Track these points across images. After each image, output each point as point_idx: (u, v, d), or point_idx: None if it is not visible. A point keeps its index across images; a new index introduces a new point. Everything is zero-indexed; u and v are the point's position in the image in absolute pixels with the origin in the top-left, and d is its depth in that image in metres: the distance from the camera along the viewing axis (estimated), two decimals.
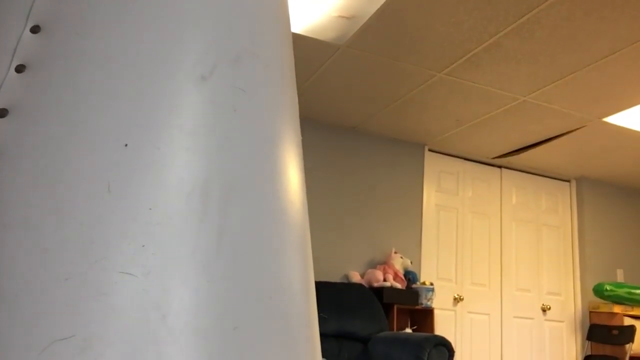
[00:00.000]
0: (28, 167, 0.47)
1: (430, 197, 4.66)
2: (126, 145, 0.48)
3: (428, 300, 4.10)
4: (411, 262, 4.22)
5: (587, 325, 4.84)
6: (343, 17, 2.87)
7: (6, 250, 0.44)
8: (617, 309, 4.65)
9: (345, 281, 4.09)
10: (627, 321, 4.58)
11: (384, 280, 4.01)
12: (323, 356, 3.41)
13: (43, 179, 0.47)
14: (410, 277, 4.17)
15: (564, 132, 4.19)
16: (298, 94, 3.88)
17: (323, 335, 3.51)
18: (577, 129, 4.09)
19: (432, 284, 4.21)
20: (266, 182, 0.54)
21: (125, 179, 0.47)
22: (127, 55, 0.52)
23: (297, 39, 3.11)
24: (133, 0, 0.55)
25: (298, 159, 0.63)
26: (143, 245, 0.45)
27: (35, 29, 0.54)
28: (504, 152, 4.76)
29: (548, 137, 4.32)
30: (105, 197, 0.46)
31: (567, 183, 5.32)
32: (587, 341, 4.73)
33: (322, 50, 3.24)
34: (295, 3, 2.77)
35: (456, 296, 4.54)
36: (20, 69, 0.52)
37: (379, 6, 2.77)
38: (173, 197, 0.48)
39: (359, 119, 4.28)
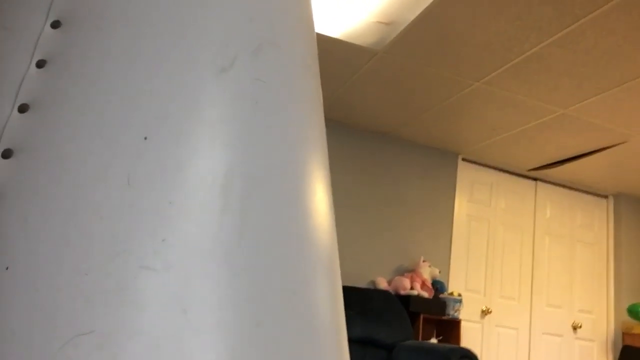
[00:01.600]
0: (48, 159, 0.47)
1: (461, 207, 4.60)
2: (146, 138, 0.48)
3: (455, 311, 4.05)
4: (439, 272, 4.18)
5: (620, 346, 4.70)
6: (382, 22, 2.87)
7: (27, 243, 0.44)
8: None
9: (372, 287, 4.08)
10: None
11: (411, 288, 3.98)
12: None
13: (63, 171, 0.47)
14: (438, 286, 4.12)
15: (604, 147, 4.08)
16: (333, 98, 3.88)
17: (347, 340, 3.50)
18: (617, 144, 3.99)
19: (460, 294, 4.16)
20: (288, 175, 0.53)
21: (145, 172, 0.47)
22: (147, 48, 0.52)
23: (336, 43, 3.12)
24: None
25: (322, 151, 0.61)
26: (163, 239, 0.44)
27: (55, 24, 0.54)
28: (540, 165, 4.66)
29: (586, 151, 4.22)
30: (125, 190, 0.46)
31: (605, 199, 5.18)
32: None
33: (359, 55, 3.25)
34: (334, 8, 2.78)
35: (484, 309, 4.46)
36: (41, 64, 0.52)
37: (418, 13, 2.75)
38: (194, 190, 0.47)
39: (394, 125, 4.26)
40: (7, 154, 0.48)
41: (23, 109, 0.51)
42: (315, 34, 0.69)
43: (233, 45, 0.54)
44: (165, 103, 0.50)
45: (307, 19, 0.65)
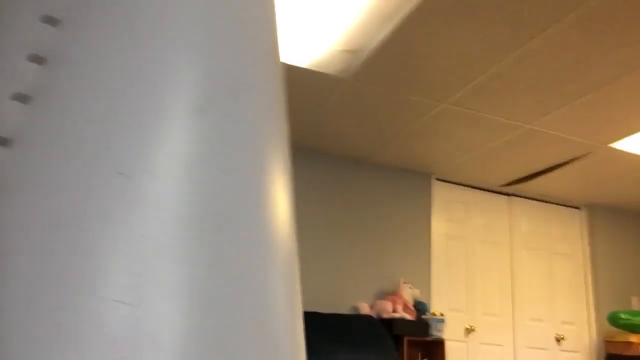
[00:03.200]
0: (26, 195, 0.48)
1: (438, 226, 4.64)
2: (123, 174, 0.49)
3: (439, 332, 4.05)
4: (420, 293, 4.18)
5: (603, 354, 4.73)
6: (347, 50, 2.93)
7: (3, 277, 0.44)
8: (633, 338, 4.55)
9: (354, 313, 4.06)
10: None
11: (394, 311, 3.97)
12: None
13: (40, 207, 0.47)
14: (420, 307, 4.12)
15: (571, 159, 4.18)
16: (305, 126, 3.91)
17: None
18: (583, 155, 4.09)
19: (442, 314, 4.16)
20: (257, 212, 0.55)
21: (120, 206, 0.47)
22: (126, 85, 0.53)
23: (303, 72, 3.17)
24: (134, 34, 0.56)
25: (287, 187, 0.64)
26: (138, 273, 0.45)
27: (38, 60, 0.55)
28: (512, 180, 4.75)
29: (555, 164, 4.32)
30: (100, 225, 0.46)
31: (578, 210, 5.28)
32: None
33: (327, 84, 3.30)
34: (300, 38, 2.84)
35: (467, 327, 4.47)
36: (23, 99, 0.53)
37: (380, 40, 2.82)
38: (168, 226, 0.48)
39: (366, 150, 4.31)
40: None
41: (2, 143, 0.51)
42: (283, 74, 0.71)
43: (211, 86, 0.56)
44: (142, 139, 0.50)
45: (277, 61, 0.67)
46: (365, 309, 4.01)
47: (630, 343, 4.54)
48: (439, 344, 4.03)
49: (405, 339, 3.85)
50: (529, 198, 5.09)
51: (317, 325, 3.62)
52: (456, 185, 4.84)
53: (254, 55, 0.64)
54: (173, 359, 0.44)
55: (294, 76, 3.22)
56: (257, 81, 0.63)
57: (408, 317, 3.97)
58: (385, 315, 3.95)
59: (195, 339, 0.46)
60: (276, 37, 0.71)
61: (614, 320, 4.59)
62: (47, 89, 0.54)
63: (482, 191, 4.92)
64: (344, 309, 4.06)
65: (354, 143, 4.19)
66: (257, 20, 0.68)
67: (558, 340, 4.79)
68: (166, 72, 0.56)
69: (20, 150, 0.51)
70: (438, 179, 4.77)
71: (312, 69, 3.12)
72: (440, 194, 4.75)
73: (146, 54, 0.56)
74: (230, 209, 0.53)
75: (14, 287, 0.44)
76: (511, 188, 4.93)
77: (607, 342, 4.79)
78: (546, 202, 5.16)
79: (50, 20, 0.57)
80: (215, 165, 0.53)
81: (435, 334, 4.03)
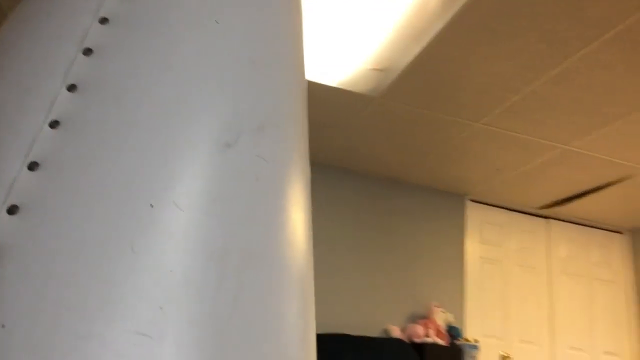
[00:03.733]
0: (57, 221, 0.48)
1: (472, 248, 4.53)
2: (152, 205, 0.49)
3: (472, 358, 3.91)
4: (454, 317, 4.07)
5: None
6: (376, 69, 2.91)
7: (28, 303, 0.44)
8: None
9: (385, 336, 3.97)
10: None
11: (426, 335, 3.87)
12: None
13: (70, 234, 0.47)
14: (453, 332, 4.00)
15: (611, 181, 4.03)
16: (335, 145, 3.91)
17: None
18: (625, 178, 3.94)
19: (476, 340, 4.03)
20: (279, 250, 0.55)
21: (149, 239, 0.47)
22: (158, 119, 0.54)
23: (333, 91, 3.16)
24: (166, 70, 0.57)
25: (308, 225, 0.65)
26: (161, 307, 0.45)
27: (71, 88, 0.56)
28: (549, 203, 4.60)
29: (595, 187, 4.17)
30: (129, 257, 0.46)
31: (620, 235, 5.07)
32: None
33: (357, 102, 3.28)
34: (330, 56, 2.84)
35: (503, 354, 4.31)
36: (54, 125, 0.54)
37: (412, 58, 2.80)
38: (193, 261, 0.48)
39: (397, 169, 4.26)
40: (12, 210, 0.49)
41: (32, 167, 0.51)
42: (307, 111, 0.72)
43: (238, 123, 0.56)
44: (172, 174, 0.51)
45: (303, 98, 0.68)
46: (396, 332, 3.92)
47: None
48: None
49: None
50: (567, 221, 4.93)
51: (348, 348, 3.55)
52: (491, 207, 4.72)
53: (281, 91, 0.64)
54: None
55: (323, 95, 3.22)
56: (283, 118, 0.63)
57: (440, 342, 3.85)
58: (416, 340, 3.85)
59: None
60: (303, 72, 0.71)
61: None
62: (82, 119, 0.55)
63: (518, 213, 4.79)
64: (375, 332, 3.98)
65: (385, 162, 4.15)
66: (285, 54, 0.68)
67: None
68: (196, 106, 0.57)
69: (49, 173, 0.51)
70: (472, 200, 4.66)
71: (342, 87, 3.12)
72: (475, 215, 4.64)
73: (178, 88, 0.57)
74: (253, 246, 0.53)
75: (38, 315, 0.44)
76: (549, 211, 4.78)
77: None
78: (586, 225, 4.98)
79: (86, 51, 0.58)
80: (239, 201, 0.54)
81: None
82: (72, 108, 0.55)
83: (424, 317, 4.05)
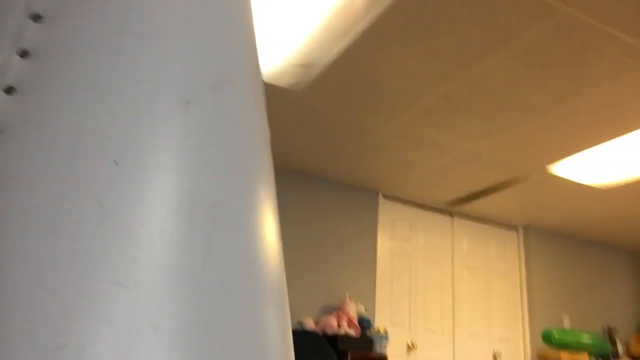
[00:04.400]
0: (20, 180, 0.49)
1: (384, 243, 4.72)
2: (116, 162, 0.51)
3: (382, 348, 4.08)
4: (365, 309, 4.22)
5: None
6: (301, 65, 2.96)
7: (2, 266, 0.46)
8: (564, 355, 4.75)
9: (299, 328, 4.04)
10: None
11: (339, 326, 3.98)
12: None
13: (35, 192, 0.49)
14: (364, 324, 4.15)
15: (510, 181, 4.37)
16: None
17: None
18: (522, 178, 4.28)
19: (385, 331, 4.20)
20: (247, 204, 0.58)
21: (116, 194, 0.49)
22: (117, 79, 0.55)
23: None
24: (120, 32, 0.59)
25: (272, 183, 0.68)
26: (135, 259, 0.47)
27: (23, 54, 0.57)
28: (454, 199, 4.90)
29: (495, 185, 4.49)
30: (97, 211, 0.48)
31: (515, 231, 5.50)
32: None
33: (279, 96, 3.32)
34: None
35: (409, 344, 4.53)
36: (9, 91, 0.55)
37: (334, 56, 2.87)
38: (162, 214, 0.50)
39: (315, 165, 4.34)
40: None
41: None
42: (261, 73, 0.76)
43: (195, 80, 0.59)
44: (134, 131, 0.53)
45: (256, 58, 0.72)
46: (310, 323, 4.00)
47: None
48: None
49: (349, 355, 3.86)
50: (469, 218, 5.27)
51: None
52: (402, 204, 4.94)
53: (234, 50, 0.67)
54: (172, 343, 0.46)
55: None
56: (239, 75, 0.66)
57: (352, 333, 3.98)
58: (329, 331, 3.95)
59: (195, 324, 0.48)
60: (254, 31, 0.74)
61: (547, 338, 4.78)
62: (36, 82, 0.56)
63: (426, 211, 5.05)
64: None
65: (303, 157, 4.21)
66: (234, 13, 0.71)
67: (495, 356, 4.94)
68: (153, 64, 0.59)
69: (11, 138, 0.52)
70: (385, 197, 4.86)
71: (265, 81, 3.13)
72: (387, 211, 4.83)
73: (134, 48, 0.59)
74: (220, 199, 0.56)
75: (11, 271, 0.46)
76: (454, 209, 5.09)
77: (540, 359, 4.97)
78: (485, 222, 5.35)
79: (36, 17, 0.59)
80: (202, 156, 0.56)
81: (378, 350, 4.06)
82: (26, 74, 0.57)
83: (337, 309, 4.16)
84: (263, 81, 0.74)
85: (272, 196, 0.66)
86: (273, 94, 3.28)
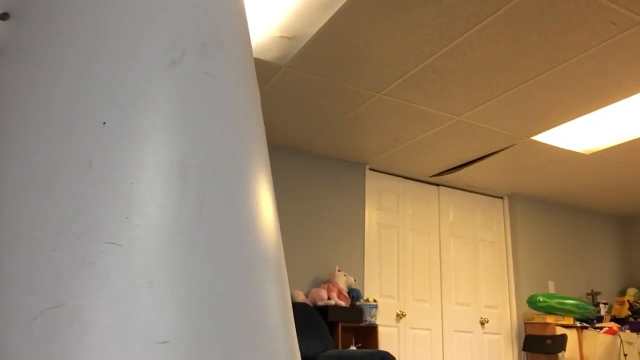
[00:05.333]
0: (12, 147, 0.49)
1: (371, 215, 4.75)
2: (104, 123, 0.50)
3: (372, 317, 4.15)
4: (355, 280, 4.27)
5: (523, 336, 5.03)
6: (284, 37, 2.93)
7: (3, 222, 0.46)
8: (549, 319, 4.86)
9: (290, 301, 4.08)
10: (559, 330, 4.80)
11: (329, 298, 4.03)
12: None
13: (26, 156, 0.48)
14: (354, 294, 4.20)
15: (496, 150, 4.40)
16: None
17: None
18: (508, 147, 4.31)
19: (375, 300, 4.26)
20: (238, 162, 0.58)
21: (106, 155, 0.49)
22: (103, 40, 0.55)
23: None
24: None
25: (263, 141, 0.68)
26: (127, 217, 0.47)
27: (3, 16, 0.55)
28: (441, 171, 4.93)
29: (481, 155, 4.52)
30: (87, 172, 0.48)
31: (500, 199, 5.56)
32: (523, 352, 4.91)
33: (264, 70, 3.28)
34: None
35: (399, 312, 4.61)
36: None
37: (319, 28, 2.84)
38: (153, 173, 0.50)
39: (301, 139, 4.33)
40: None
41: None
42: (249, 36, 0.74)
43: (182, 41, 0.58)
44: (122, 92, 0.52)
45: (244, 22, 0.70)
46: (300, 296, 4.04)
47: (547, 324, 4.85)
48: (372, 330, 4.13)
49: (340, 325, 3.92)
50: (455, 188, 5.31)
51: None
52: (388, 175, 4.96)
53: (221, 12, 0.66)
54: (168, 298, 0.46)
55: None
56: (225, 37, 0.66)
57: (342, 304, 4.04)
58: (320, 303, 4.00)
59: (190, 278, 0.48)
60: (243, 2, 0.73)
61: (532, 302, 4.89)
62: (20, 44, 0.54)
63: (412, 181, 5.08)
64: None
65: (288, 131, 4.19)
66: None
67: (482, 323, 5.04)
68: (139, 26, 0.58)
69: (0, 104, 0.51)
70: (371, 169, 4.87)
71: None
72: (374, 183, 4.85)
73: (122, 10, 0.58)
74: (211, 155, 0.56)
75: (6, 232, 0.45)
76: (440, 178, 5.12)
77: (527, 324, 5.09)
78: (471, 192, 5.40)
79: None
80: (191, 115, 0.56)
81: (368, 319, 4.13)
82: (9, 37, 0.56)
83: (326, 281, 4.21)
84: (250, 40, 0.74)
85: (264, 156, 0.66)
86: (257, 68, 3.24)
